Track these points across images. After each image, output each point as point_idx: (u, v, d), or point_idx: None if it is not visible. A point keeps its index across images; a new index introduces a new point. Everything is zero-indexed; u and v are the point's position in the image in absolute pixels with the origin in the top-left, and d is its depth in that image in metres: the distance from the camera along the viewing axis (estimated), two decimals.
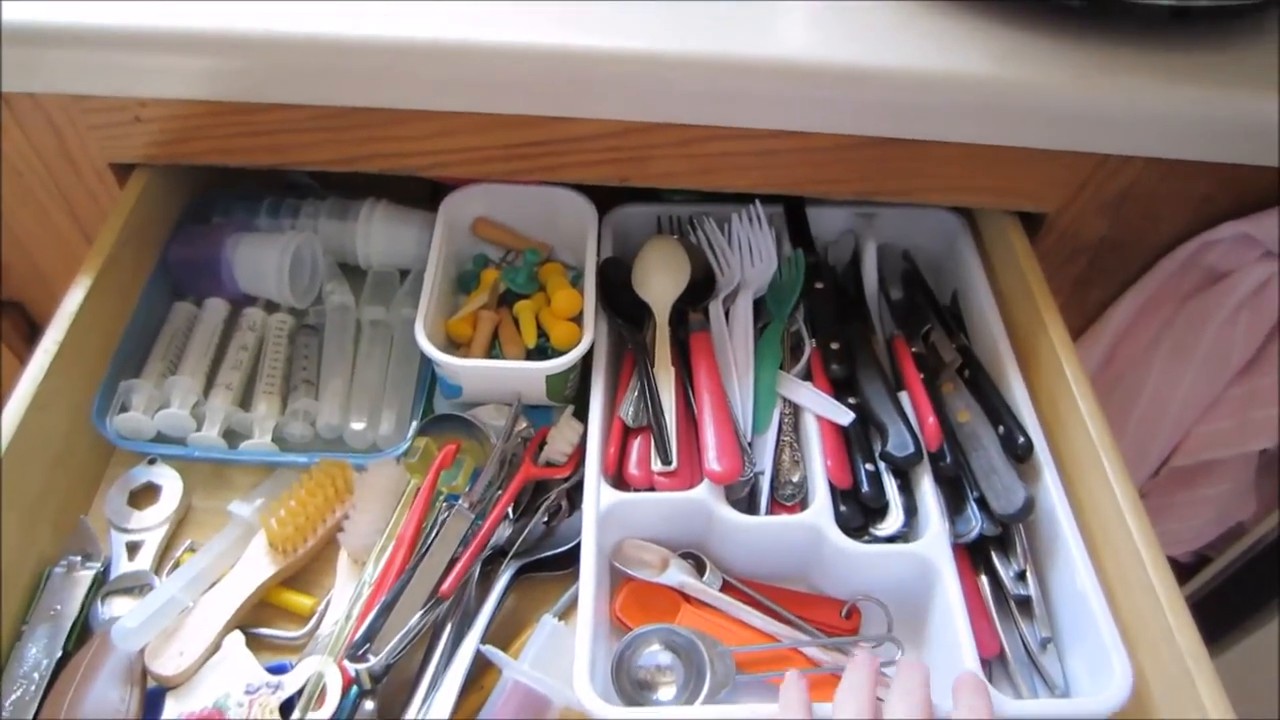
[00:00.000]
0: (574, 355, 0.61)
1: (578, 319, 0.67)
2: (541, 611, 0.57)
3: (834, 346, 0.64)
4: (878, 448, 0.60)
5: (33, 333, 0.82)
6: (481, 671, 0.54)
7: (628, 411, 0.61)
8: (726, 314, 0.67)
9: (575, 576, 0.54)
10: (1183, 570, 0.89)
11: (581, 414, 0.62)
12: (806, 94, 0.58)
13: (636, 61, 0.57)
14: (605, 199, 0.71)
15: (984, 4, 0.61)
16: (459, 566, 0.56)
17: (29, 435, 0.55)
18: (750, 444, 0.61)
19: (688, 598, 0.57)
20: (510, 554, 0.58)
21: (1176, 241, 0.69)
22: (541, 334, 0.68)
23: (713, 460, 0.57)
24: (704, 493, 0.57)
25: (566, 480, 0.62)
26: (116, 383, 0.62)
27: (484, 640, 0.54)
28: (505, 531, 0.59)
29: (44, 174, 0.66)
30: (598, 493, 0.57)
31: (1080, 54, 0.59)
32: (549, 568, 0.59)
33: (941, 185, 0.65)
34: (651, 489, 0.58)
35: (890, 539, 0.57)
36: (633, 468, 0.59)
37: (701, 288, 0.68)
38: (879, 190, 0.65)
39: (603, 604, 0.55)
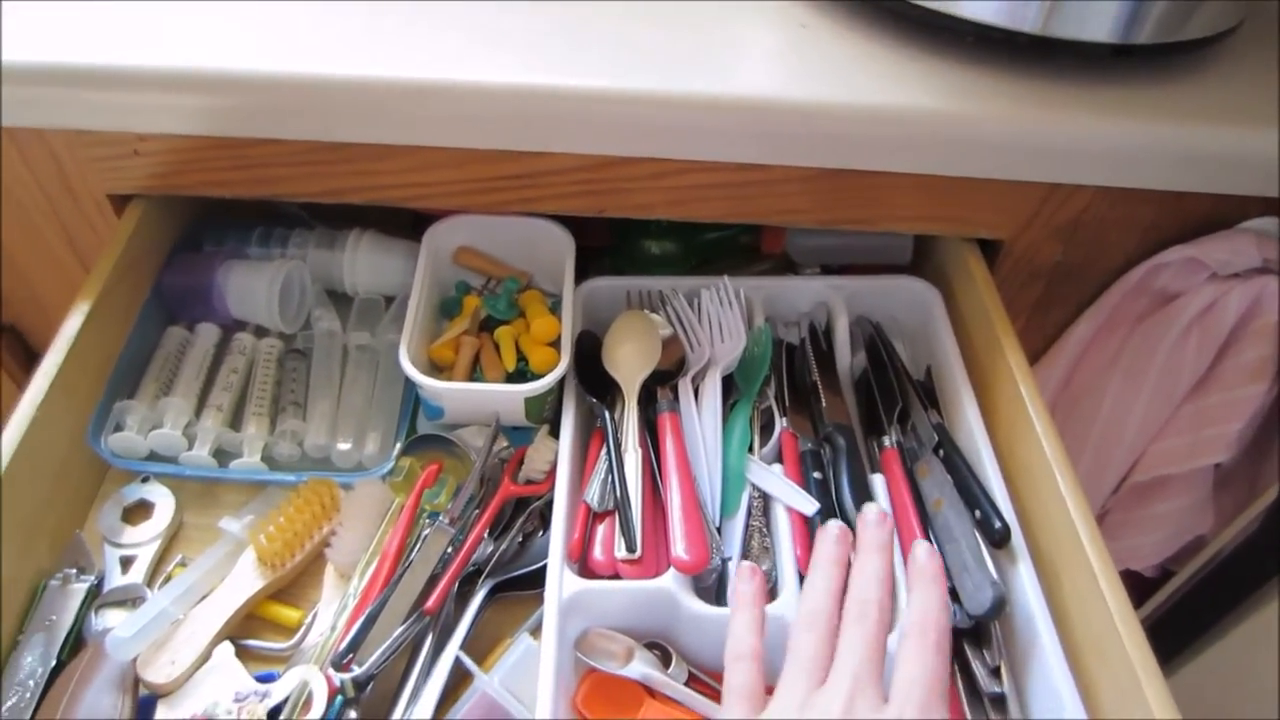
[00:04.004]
0: (551, 378, 0.64)
1: (555, 344, 0.69)
2: (515, 627, 0.59)
3: (809, 446, 0.64)
4: None
5: (29, 357, 0.85)
6: (459, 684, 0.56)
7: (593, 495, 0.60)
8: (696, 391, 0.66)
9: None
10: (1148, 585, 0.91)
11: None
12: (768, 129, 0.61)
13: (607, 99, 0.61)
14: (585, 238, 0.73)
15: (934, 42, 0.65)
16: (442, 584, 0.58)
17: (29, 454, 0.57)
18: (718, 529, 0.60)
19: (652, 691, 0.55)
20: (485, 572, 0.60)
21: (1128, 266, 0.72)
22: (521, 358, 0.71)
23: (680, 549, 0.56)
24: (669, 582, 0.55)
25: (542, 498, 0.64)
26: (112, 404, 0.65)
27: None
28: (486, 549, 0.62)
29: (45, 205, 0.69)
30: (560, 580, 0.56)
31: (1026, 89, 0.63)
32: (523, 584, 0.61)
33: (899, 214, 0.68)
34: (616, 576, 0.57)
35: None
36: (597, 554, 0.57)
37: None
38: (840, 219, 0.68)
39: (563, 696, 0.53)
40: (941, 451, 0.63)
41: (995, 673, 0.55)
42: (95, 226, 0.71)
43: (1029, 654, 0.55)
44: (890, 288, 0.74)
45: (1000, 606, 0.54)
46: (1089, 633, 0.54)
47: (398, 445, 0.66)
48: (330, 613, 0.59)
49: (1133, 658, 0.50)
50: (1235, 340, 0.69)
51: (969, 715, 0.55)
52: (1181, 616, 0.85)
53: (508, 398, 0.66)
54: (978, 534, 0.57)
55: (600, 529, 0.59)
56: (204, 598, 0.59)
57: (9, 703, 0.54)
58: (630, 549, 0.57)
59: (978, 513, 0.58)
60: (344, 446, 0.67)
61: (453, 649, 0.57)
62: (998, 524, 0.57)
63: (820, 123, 0.61)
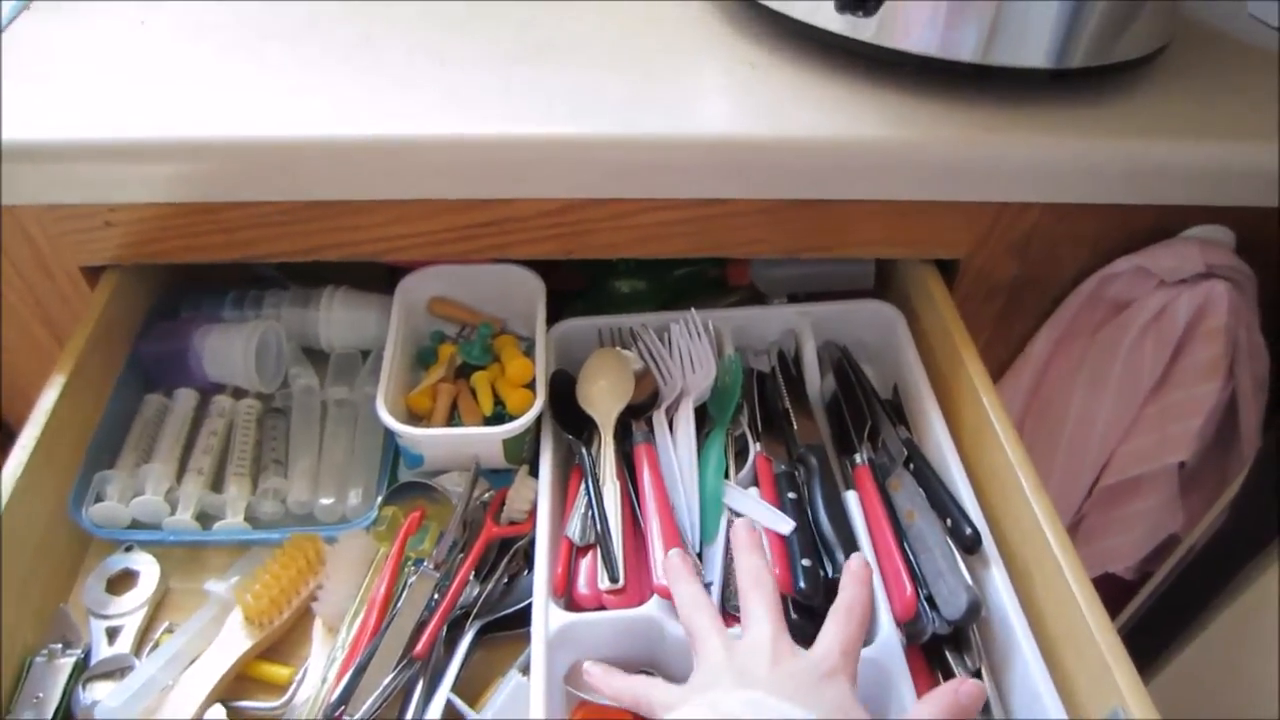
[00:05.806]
0: (527, 419, 0.65)
1: (531, 385, 0.70)
2: (505, 666, 0.59)
3: (783, 468, 0.65)
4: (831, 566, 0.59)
5: (5, 437, 0.85)
6: None
7: (574, 529, 0.61)
8: (670, 423, 0.68)
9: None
10: (1128, 587, 0.93)
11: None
12: (722, 165, 0.64)
13: (569, 145, 0.63)
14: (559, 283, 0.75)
15: (878, 75, 0.68)
16: (430, 628, 0.58)
17: (9, 530, 0.57)
18: (699, 555, 0.61)
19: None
20: (473, 614, 0.61)
21: (1081, 277, 0.75)
22: (498, 402, 0.72)
23: (661, 575, 0.57)
24: (654, 609, 0.56)
25: (525, 537, 0.65)
26: (92, 475, 0.65)
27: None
28: (472, 591, 0.62)
29: (18, 282, 0.70)
30: (546, 614, 0.56)
31: (970, 114, 0.66)
32: (511, 624, 0.61)
33: (858, 240, 0.70)
34: (602, 607, 0.57)
35: None
36: (582, 587, 0.58)
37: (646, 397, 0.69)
38: (801, 248, 0.71)
39: None
40: (911, 465, 0.65)
41: (976, 675, 0.56)
42: (69, 300, 0.71)
43: (1007, 655, 0.56)
44: (855, 311, 0.77)
45: (976, 611, 0.55)
46: (1063, 628, 0.55)
47: (379, 496, 0.66)
48: (320, 666, 0.59)
49: (1101, 645, 0.51)
50: (1188, 342, 0.72)
51: None
52: (1162, 615, 0.87)
53: (485, 440, 0.66)
54: (950, 541, 0.59)
55: (583, 562, 0.60)
56: (193, 662, 0.59)
57: None
58: (613, 579, 0.58)
59: (949, 521, 0.60)
60: (326, 501, 0.67)
61: (444, 692, 0.57)
62: (968, 530, 0.58)
63: (773, 155, 0.64)
